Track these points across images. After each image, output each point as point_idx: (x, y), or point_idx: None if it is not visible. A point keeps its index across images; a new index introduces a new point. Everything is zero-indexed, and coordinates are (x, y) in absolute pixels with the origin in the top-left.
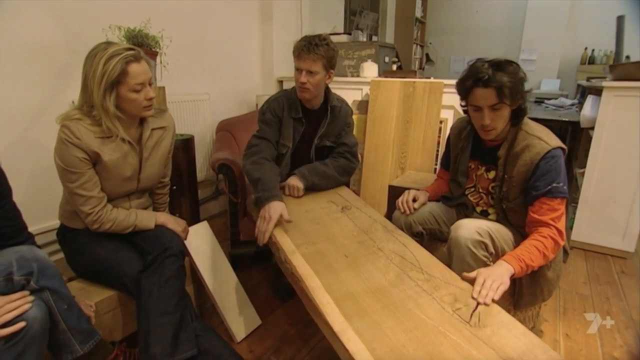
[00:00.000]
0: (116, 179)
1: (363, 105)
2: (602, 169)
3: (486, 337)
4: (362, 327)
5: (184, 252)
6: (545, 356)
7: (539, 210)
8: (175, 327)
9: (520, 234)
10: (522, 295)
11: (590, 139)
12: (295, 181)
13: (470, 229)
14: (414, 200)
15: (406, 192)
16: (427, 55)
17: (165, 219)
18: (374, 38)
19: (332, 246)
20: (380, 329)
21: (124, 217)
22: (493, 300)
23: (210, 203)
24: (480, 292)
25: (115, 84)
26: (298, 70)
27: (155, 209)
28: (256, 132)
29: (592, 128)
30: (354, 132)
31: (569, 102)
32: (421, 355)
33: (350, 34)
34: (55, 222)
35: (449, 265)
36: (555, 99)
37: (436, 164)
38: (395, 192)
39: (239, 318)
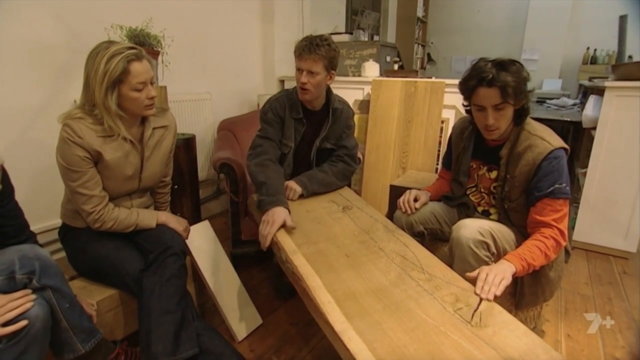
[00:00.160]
0: (118, 178)
1: (364, 105)
2: (604, 169)
3: (487, 337)
4: (363, 327)
5: (186, 252)
6: (547, 356)
7: (542, 211)
8: (177, 326)
9: (522, 234)
10: (524, 296)
11: (592, 139)
12: (294, 185)
13: (472, 229)
14: (415, 200)
15: (407, 191)
16: (428, 54)
17: (167, 218)
18: (376, 38)
19: (333, 246)
20: (381, 328)
21: (126, 216)
22: (495, 297)
23: (211, 202)
24: (482, 287)
25: (117, 82)
26: (299, 70)
27: (156, 208)
28: (259, 132)
29: (594, 128)
30: (355, 132)
31: (570, 102)
32: (422, 355)
33: (351, 33)
34: (57, 221)
35: (451, 265)
36: (557, 98)
37: (437, 164)
38: (396, 192)
39: (240, 317)
